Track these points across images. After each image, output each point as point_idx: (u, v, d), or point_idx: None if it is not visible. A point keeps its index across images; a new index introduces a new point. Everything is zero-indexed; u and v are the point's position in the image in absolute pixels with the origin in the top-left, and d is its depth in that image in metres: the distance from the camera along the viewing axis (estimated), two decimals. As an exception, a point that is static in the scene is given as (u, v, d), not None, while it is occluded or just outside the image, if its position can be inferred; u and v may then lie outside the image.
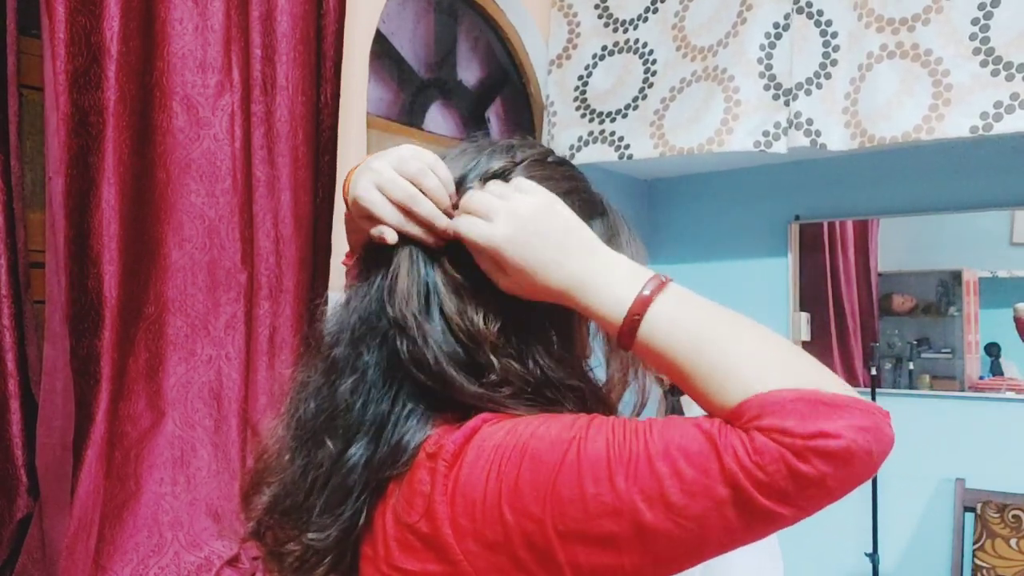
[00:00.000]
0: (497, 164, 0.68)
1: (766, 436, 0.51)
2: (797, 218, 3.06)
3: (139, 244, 1.45)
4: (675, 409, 2.72)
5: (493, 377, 0.63)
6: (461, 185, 0.68)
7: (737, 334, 0.60)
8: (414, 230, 0.66)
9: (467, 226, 0.64)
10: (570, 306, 0.64)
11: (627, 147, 2.55)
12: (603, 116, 2.62)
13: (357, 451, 0.63)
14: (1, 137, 1.27)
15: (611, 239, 0.70)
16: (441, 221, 0.65)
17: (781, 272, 3.08)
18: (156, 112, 1.47)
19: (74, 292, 1.33)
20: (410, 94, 2.35)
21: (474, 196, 0.65)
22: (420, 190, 0.65)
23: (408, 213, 0.65)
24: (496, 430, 0.59)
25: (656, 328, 0.59)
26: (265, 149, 1.61)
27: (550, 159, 0.72)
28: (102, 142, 1.36)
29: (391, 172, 0.65)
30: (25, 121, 1.35)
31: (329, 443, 0.64)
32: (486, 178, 0.68)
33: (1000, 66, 1.96)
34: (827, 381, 0.55)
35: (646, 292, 0.60)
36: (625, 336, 0.60)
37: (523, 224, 0.63)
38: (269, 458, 0.70)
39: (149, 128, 1.46)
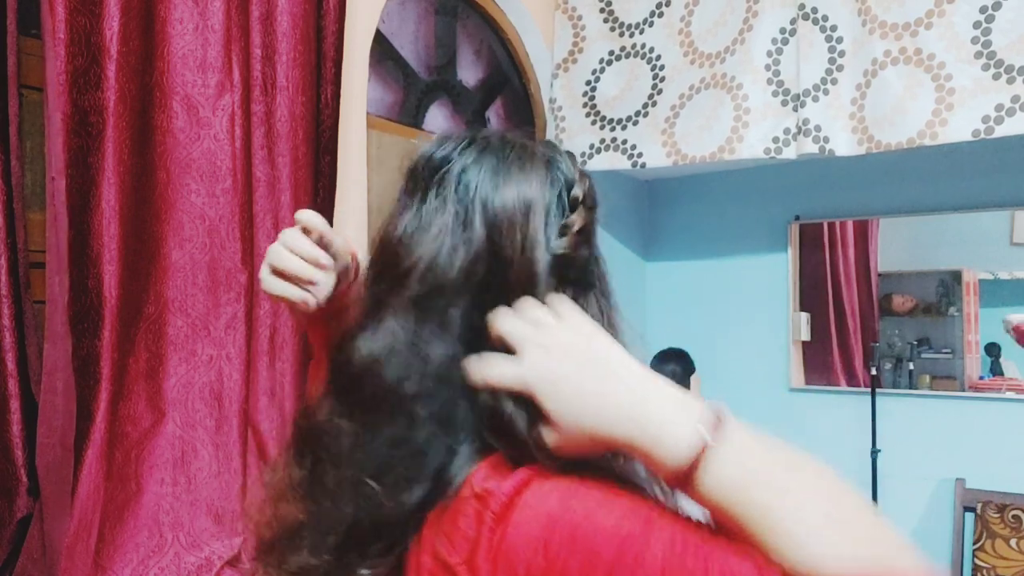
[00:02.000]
0: (573, 168, 0.71)
1: None
2: (797, 218, 3.06)
3: (139, 244, 1.45)
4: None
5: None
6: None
7: (804, 492, 0.53)
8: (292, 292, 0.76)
9: (491, 369, 0.61)
10: (621, 452, 0.59)
11: (640, 155, 2.56)
12: (614, 123, 2.62)
13: (415, 491, 0.61)
14: (1, 137, 1.27)
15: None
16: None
17: (781, 272, 3.09)
18: (156, 112, 1.47)
19: (74, 292, 1.33)
20: (410, 94, 2.35)
21: (503, 324, 0.62)
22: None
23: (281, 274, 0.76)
24: (548, 492, 0.57)
25: (715, 478, 0.53)
26: (265, 149, 1.61)
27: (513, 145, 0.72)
28: (102, 142, 1.36)
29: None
30: (25, 121, 1.35)
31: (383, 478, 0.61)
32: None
33: (1001, 69, 1.97)
34: (894, 555, 0.51)
35: (706, 437, 0.54)
36: (679, 482, 0.55)
37: (557, 363, 0.59)
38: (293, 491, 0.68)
39: (149, 128, 1.46)
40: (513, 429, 0.60)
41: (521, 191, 0.66)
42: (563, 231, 0.67)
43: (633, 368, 0.59)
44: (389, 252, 0.68)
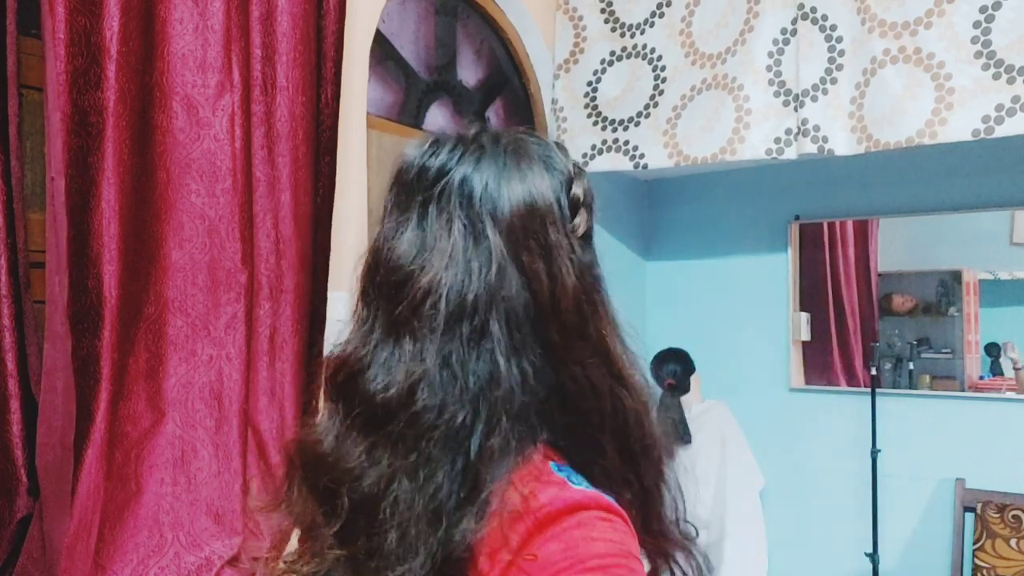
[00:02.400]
0: (568, 162, 0.71)
1: None
2: (797, 218, 3.06)
3: (139, 244, 1.45)
4: (675, 410, 2.72)
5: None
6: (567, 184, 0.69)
7: None
8: None
9: None
10: None
11: (642, 156, 2.56)
12: (615, 124, 2.62)
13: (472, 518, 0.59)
14: (1, 137, 1.27)
15: None
16: None
17: (781, 272, 3.08)
18: (156, 112, 1.47)
19: (74, 292, 1.33)
20: (410, 94, 2.35)
21: None
22: None
23: None
24: (597, 533, 0.57)
25: None
26: (265, 149, 1.61)
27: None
28: (102, 142, 1.36)
29: None
30: (25, 121, 1.35)
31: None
32: (574, 175, 0.69)
33: (1001, 69, 1.96)
34: None
35: None
36: None
37: None
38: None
39: (149, 128, 1.46)
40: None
41: (527, 196, 0.65)
42: (573, 234, 0.67)
43: None
44: (394, 274, 0.65)
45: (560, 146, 0.72)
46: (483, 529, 0.57)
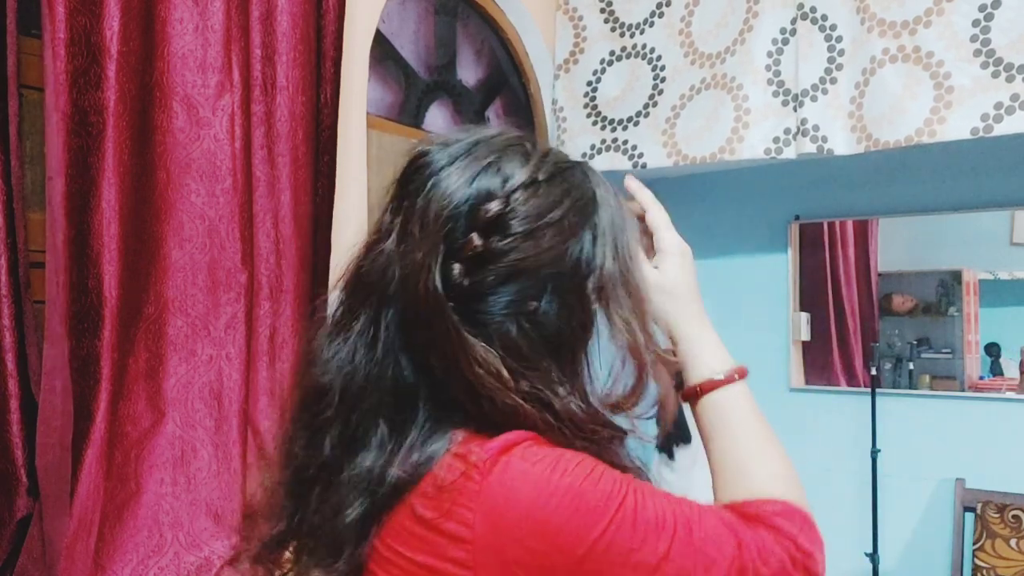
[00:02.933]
0: (520, 175, 0.65)
1: (775, 536, 0.63)
2: (797, 218, 3.06)
3: (139, 244, 1.45)
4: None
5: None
6: (489, 198, 0.63)
7: (766, 440, 0.73)
8: None
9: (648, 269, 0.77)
10: (673, 346, 0.78)
11: (640, 156, 2.56)
12: (615, 124, 2.62)
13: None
14: (1, 137, 1.27)
15: (595, 240, 0.68)
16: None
17: (781, 272, 3.08)
18: (156, 112, 1.47)
19: (74, 292, 1.33)
20: (410, 94, 2.35)
21: (667, 240, 0.81)
22: None
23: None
24: (541, 456, 0.60)
25: (722, 401, 0.74)
26: (265, 149, 1.61)
27: (564, 164, 0.69)
28: (102, 142, 1.36)
29: None
30: (25, 121, 1.35)
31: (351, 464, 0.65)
32: (513, 191, 0.64)
33: (1001, 67, 1.96)
34: (804, 499, 0.69)
35: (731, 373, 0.75)
36: (696, 394, 0.75)
37: (684, 285, 0.80)
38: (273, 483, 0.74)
39: (149, 128, 1.46)
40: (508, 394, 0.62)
41: (444, 199, 0.64)
42: (456, 253, 0.62)
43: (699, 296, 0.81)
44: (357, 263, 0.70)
45: (542, 162, 0.67)
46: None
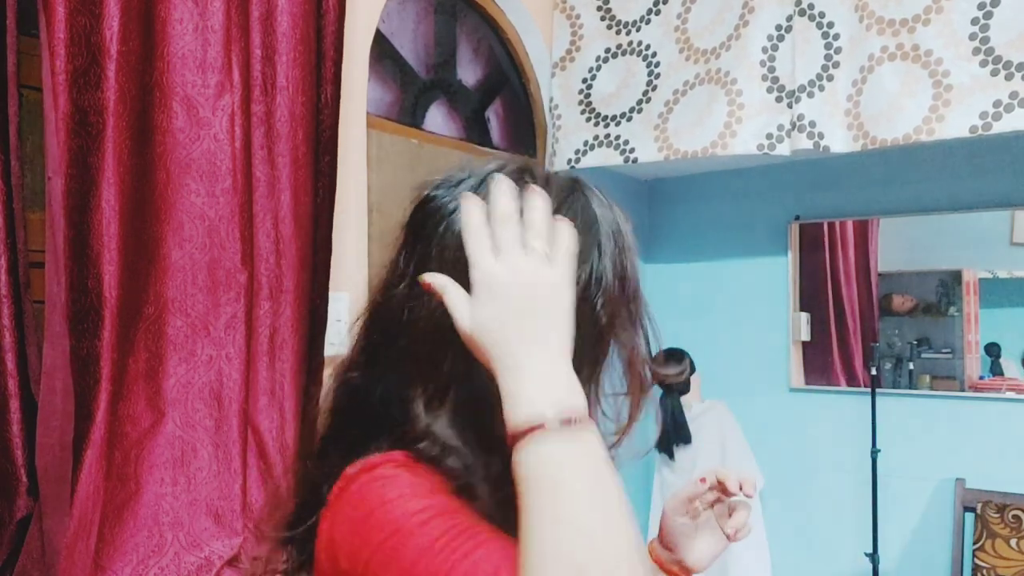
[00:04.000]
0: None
1: None
2: (797, 218, 3.06)
3: (139, 244, 1.45)
4: (675, 410, 2.72)
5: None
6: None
7: (602, 522, 0.53)
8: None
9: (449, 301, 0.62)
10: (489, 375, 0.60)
11: (632, 151, 2.55)
12: (608, 120, 2.62)
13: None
14: (1, 137, 1.27)
15: (599, 258, 0.67)
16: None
17: (781, 272, 3.08)
18: (156, 112, 1.47)
19: (74, 292, 1.33)
20: (410, 94, 2.35)
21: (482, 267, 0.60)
22: None
23: None
24: (381, 477, 0.62)
25: (526, 456, 0.55)
26: (265, 149, 1.61)
27: (566, 190, 0.69)
28: (102, 142, 1.35)
29: None
30: (25, 121, 1.35)
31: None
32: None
33: (1000, 65, 1.96)
34: None
35: (541, 421, 0.55)
36: (511, 439, 0.56)
37: (513, 304, 0.58)
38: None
39: (149, 128, 1.46)
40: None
41: (453, 237, 0.65)
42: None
43: (559, 327, 0.59)
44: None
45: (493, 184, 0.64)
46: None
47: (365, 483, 0.62)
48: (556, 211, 0.64)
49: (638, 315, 0.70)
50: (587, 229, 0.67)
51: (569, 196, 0.68)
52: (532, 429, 0.54)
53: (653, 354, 0.72)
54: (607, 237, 0.68)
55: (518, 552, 0.53)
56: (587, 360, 0.66)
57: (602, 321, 0.66)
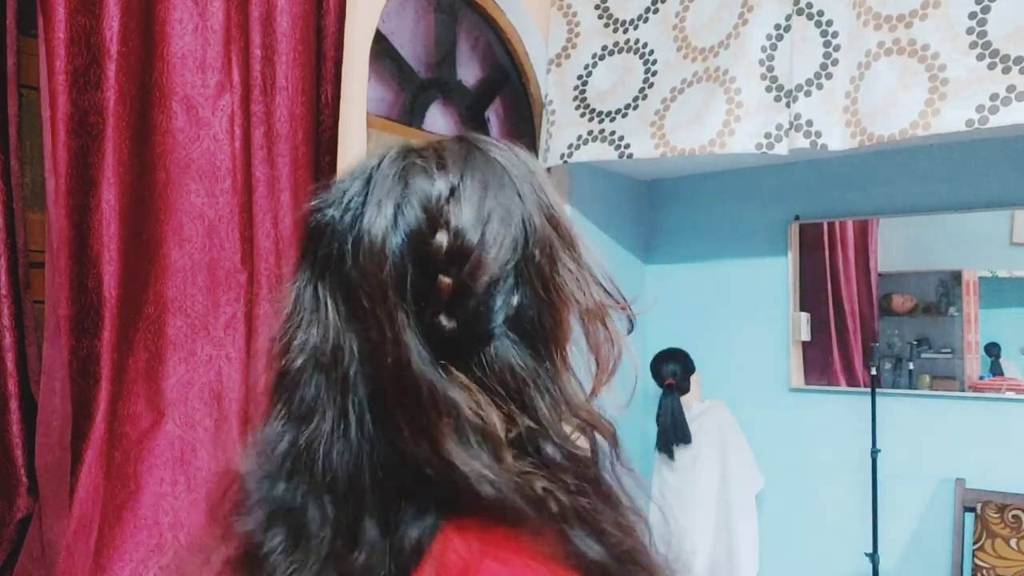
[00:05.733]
0: (436, 189, 0.58)
1: None
2: (797, 218, 3.06)
3: (139, 244, 1.45)
4: (674, 409, 2.72)
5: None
6: (428, 232, 0.56)
7: None
8: None
9: None
10: None
11: (627, 146, 2.54)
12: (603, 115, 2.61)
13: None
14: (1, 137, 1.27)
15: (523, 205, 0.60)
16: None
17: (781, 272, 3.08)
18: (156, 112, 1.47)
19: (74, 292, 1.33)
20: (410, 94, 2.35)
21: None
22: None
23: None
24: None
25: None
26: (265, 149, 1.61)
27: (457, 151, 0.61)
28: (102, 142, 1.36)
29: None
30: (25, 121, 1.35)
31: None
32: (442, 212, 0.57)
33: (997, 59, 1.95)
34: None
35: None
36: None
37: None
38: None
39: (149, 128, 1.46)
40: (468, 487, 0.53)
41: (366, 236, 0.56)
42: (430, 305, 0.55)
43: None
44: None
45: (454, 151, 0.60)
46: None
47: None
48: (461, 177, 0.58)
49: (580, 256, 0.61)
50: (499, 182, 0.59)
51: (468, 157, 0.60)
52: None
53: (615, 300, 0.63)
54: (521, 181, 0.60)
55: None
56: (552, 331, 0.59)
57: (546, 272, 0.58)
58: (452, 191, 0.57)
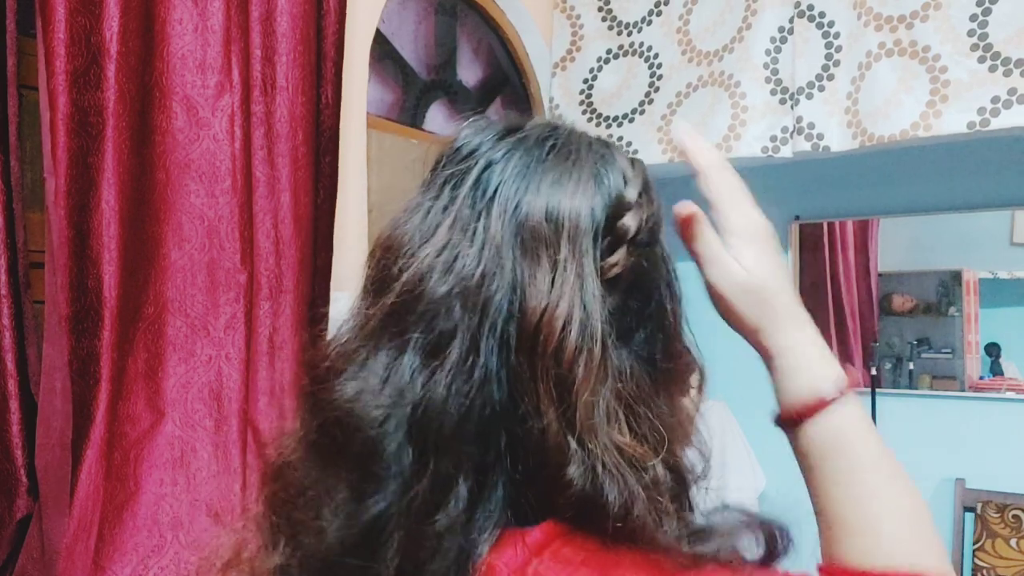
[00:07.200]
0: (631, 187, 0.56)
1: None
2: (797, 218, 3.06)
3: (139, 244, 1.45)
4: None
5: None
6: (619, 209, 0.54)
7: (897, 480, 0.59)
8: None
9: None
10: (765, 361, 0.61)
11: (635, 152, 2.55)
12: (610, 120, 2.62)
13: None
14: (1, 137, 1.27)
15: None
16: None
17: (781, 272, 3.08)
18: (156, 112, 1.47)
19: (74, 292, 1.33)
20: (410, 94, 2.35)
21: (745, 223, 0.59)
22: None
23: None
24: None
25: (834, 427, 0.57)
26: (265, 149, 1.61)
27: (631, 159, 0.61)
28: (102, 142, 1.36)
29: None
30: (25, 121, 1.35)
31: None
32: (635, 200, 0.56)
33: (998, 62, 1.95)
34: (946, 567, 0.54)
35: (842, 387, 0.57)
36: (797, 418, 0.58)
37: (771, 278, 0.59)
38: None
39: (149, 128, 1.46)
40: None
41: (551, 206, 0.53)
42: (600, 273, 0.53)
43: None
44: (382, 257, 0.56)
45: (635, 162, 0.59)
46: None
47: None
48: (643, 184, 0.58)
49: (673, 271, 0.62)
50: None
51: (638, 163, 0.60)
52: (829, 402, 0.57)
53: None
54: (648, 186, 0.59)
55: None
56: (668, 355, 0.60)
57: (667, 310, 0.62)
58: (642, 198, 0.57)
